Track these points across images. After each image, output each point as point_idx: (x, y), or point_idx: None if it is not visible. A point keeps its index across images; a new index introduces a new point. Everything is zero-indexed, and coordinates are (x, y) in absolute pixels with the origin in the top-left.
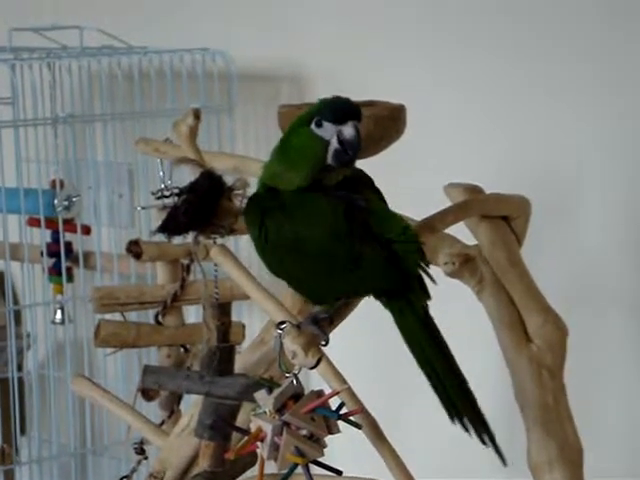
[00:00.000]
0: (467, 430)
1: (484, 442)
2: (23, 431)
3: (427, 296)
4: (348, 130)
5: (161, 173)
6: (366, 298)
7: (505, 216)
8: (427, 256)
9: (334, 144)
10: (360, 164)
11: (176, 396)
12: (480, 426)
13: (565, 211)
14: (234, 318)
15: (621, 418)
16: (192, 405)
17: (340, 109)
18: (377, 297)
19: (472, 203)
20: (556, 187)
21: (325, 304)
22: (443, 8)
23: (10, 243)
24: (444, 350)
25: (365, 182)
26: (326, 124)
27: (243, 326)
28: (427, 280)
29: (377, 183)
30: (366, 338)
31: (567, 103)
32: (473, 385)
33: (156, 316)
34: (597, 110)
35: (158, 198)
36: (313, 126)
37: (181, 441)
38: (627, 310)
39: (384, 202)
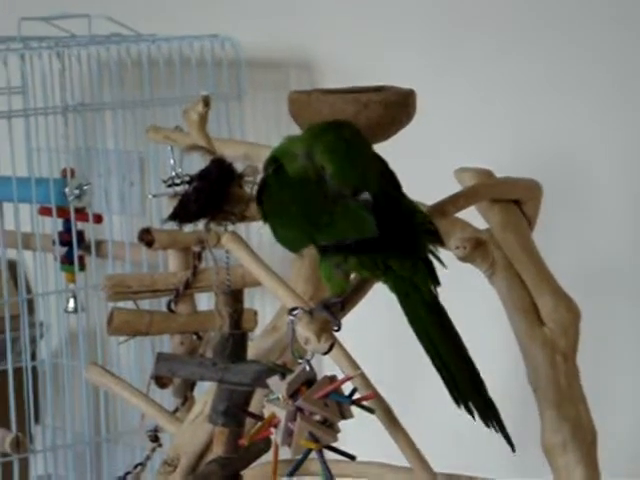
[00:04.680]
0: (472, 414)
1: (489, 426)
2: (37, 420)
3: (436, 281)
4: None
5: (172, 161)
6: (377, 285)
7: (516, 200)
8: (443, 240)
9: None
10: None
11: (189, 383)
12: (486, 411)
13: (577, 194)
14: (246, 305)
15: (634, 401)
16: (205, 392)
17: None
18: (383, 280)
19: (483, 187)
20: (567, 170)
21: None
22: None
23: (22, 232)
24: (450, 335)
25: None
26: None
27: (255, 313)
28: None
29: None
30: (379, 323)
31: (579, 86)
32: (486, 368)
33: (168, 304)
34: (610, 93)
35: (169, 186)
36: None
37: (195, 428)
38: (639, 293)
39: (399, 187)
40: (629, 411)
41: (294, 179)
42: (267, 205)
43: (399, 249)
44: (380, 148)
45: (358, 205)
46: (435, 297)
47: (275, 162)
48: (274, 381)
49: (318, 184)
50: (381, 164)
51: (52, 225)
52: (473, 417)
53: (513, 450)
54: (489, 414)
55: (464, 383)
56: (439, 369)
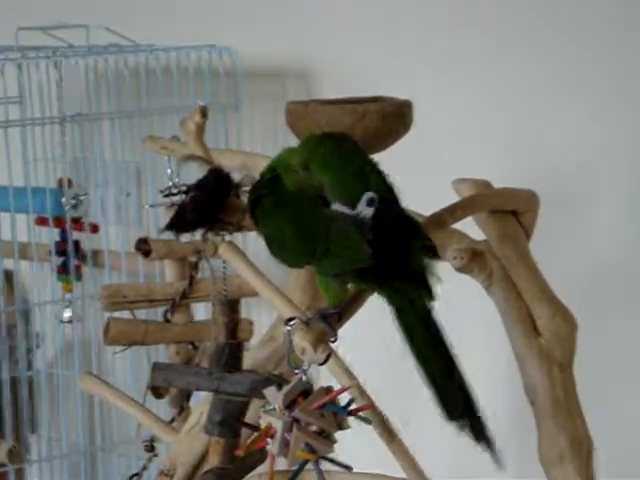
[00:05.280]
0: (462, 431)
1: (478, 443)
2: (33, 430)
3: (431, 296)
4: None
5: (169, 171)
6: (375, 295)
7: (513, 210)
8: (439, 253)
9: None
10: None
11: (185, 393)
12: (476, 428)
13: (574, 205)
14: (243, 315)
15: (632, 412)
16: (202, 402)
17: (389, 223)
18: (379, 292)
19: (480, 198)
20: (565, 181)
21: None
22: (448, 2)
23: (19, 242)
24: (442, 351)
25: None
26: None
27: (251, 323)
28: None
29: None
30: (375, 334)
31: (576, 96)
32: (483, 379)
33: (165, 314)
34: (607, 103)
35: (166, 196)
36: (365, 200)
37: (191, 438)
38: (637, 304)
39: (397, 199)
40: (626, 421)
41: (290, 195)
42: (262, 222)
43: (396, 272)
44: (377, 158)
45: (354, 229)
46: (429, 313)
47: (272, 172)
48: (270, 391)
49: (314, 203)
50: (380, 176)
51: (49, 235)
52: (463, 433)
53: (500, 467)
54: (478, 431)
55: (454, 399)
56: (429, 384)
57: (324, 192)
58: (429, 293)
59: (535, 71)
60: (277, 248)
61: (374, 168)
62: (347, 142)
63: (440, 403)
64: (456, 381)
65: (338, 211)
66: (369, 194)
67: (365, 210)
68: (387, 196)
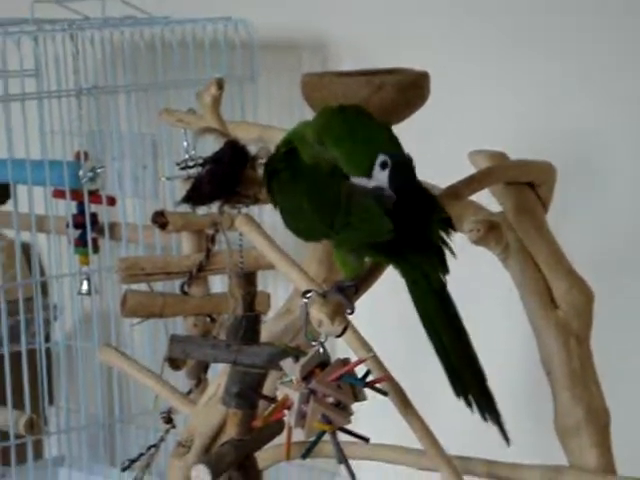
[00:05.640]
0: (470, 406)
1: (486, 419)
2: (51, 402)
3: (445, 269)
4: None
5: (185, 143)
6: (391, 268)
7: (530, 182)
8: (455, 226)
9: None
10: None
11: (203, 365)
12: (485, 404)
13: (591, 177)
14: (259, 288)
15: None
16: (219, 374)
17: (406, 183)
18: (394, 265)
19: (497, 170)
20: (582, 153)
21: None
22: None
23: (36, 215)
24: (455, 325)
25: None
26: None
27: (268, 295)
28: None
29: None
30: (392, 306)
31: (595, 66)
32: (499, 351)
33: (182, 286)
34: (626, 73)
35: (182, 168)
36: (378, 164)
37: (208, 410)
38: None
39: (412, 166)
40: None
41: (307, 168)
42: (279, 196)
43: (413, 245)
44: (394, 130)
45: (375, 202)
46: (443, 285)
47: (288, 145)
48: (287, 363)
49: (332, 176)
50: (393, 141)
51: (66, 208)
52: (471, 409)
53: (508, 444)
54: (487, 407)
55: (465, 374)
56: (441, 358)
57: (339, 169)
58: (444, 266)
59: (551, 41)
60: (294, 222)
61: (387, 135)
62: (359, 114)
63: (451, 377)
64: (466, 356)
65: (357, 184)
66: (381, 157)
67: (380, 174)
68: (402, 160)
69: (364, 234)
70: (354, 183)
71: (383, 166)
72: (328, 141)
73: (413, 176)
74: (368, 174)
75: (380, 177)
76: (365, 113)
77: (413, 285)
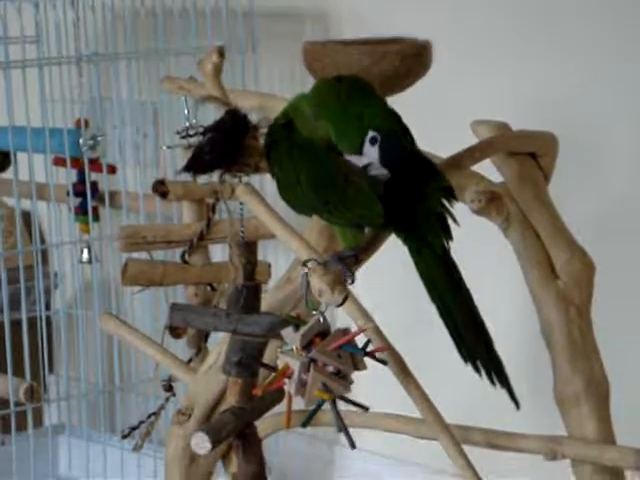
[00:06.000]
0: (479, 372)
1: (494, 384)
2: (51, 369)
3: (448, 236)
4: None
5: (186, 111)
6: (392, 237)
7: (532, 153)
8: (457, 195)
9: (374, 166)
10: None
11: (203, 334)
12: (493, 369)
13: (592, 148)
14: (260, 257)
15: None
16: (219, 342)
17: (397, 157)
18: (396, 234)
19: (499, 140)
20: (584, 123)
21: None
22: None
23: (36, 183)
24: (460, 291)
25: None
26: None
27: (269, 265)
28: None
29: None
30: (392, 275)
31: (596, 38)
32: (500, 321)
33: (182, 255)
34: (627, 45)
35: (183, 137)
36: (368, 140)
37: (209, 378)
38: None
39: (412, 140)
40: None
41: (304, 142)
42: (276, 167)
43: (414, 215)
44: (396, 100)
45: (368, 186)
46: (447, 252)
47: (286, 117)
48: (288, 332)
49: (327, 152)
50: (386, 115)
51: (66, 176)
52: (480, 375)
53: (517, 408)
54: (496, 372)
55: (472, 340)
56: (447, 325)
57: (334, 146)
58: (446, 234)
59: (554, 12)
60: (288, 194)
61: (380, 110)
62: (355, 87)
63: (458, 344)
64: (474, 321)
65: (352, 163)
66: (371, 133)
67: (370, 150)
68: (392, 134)
69: (354, 215)
70: (349, 161)
71: (372, 142)
72: (322, 116)
73: (404, 149)
74: (359, 151)
75: (371, 153)
76: (362, 85)
77: (417, 253)
